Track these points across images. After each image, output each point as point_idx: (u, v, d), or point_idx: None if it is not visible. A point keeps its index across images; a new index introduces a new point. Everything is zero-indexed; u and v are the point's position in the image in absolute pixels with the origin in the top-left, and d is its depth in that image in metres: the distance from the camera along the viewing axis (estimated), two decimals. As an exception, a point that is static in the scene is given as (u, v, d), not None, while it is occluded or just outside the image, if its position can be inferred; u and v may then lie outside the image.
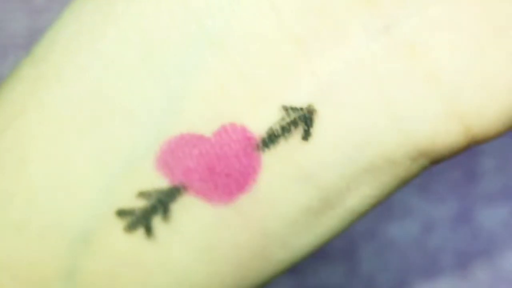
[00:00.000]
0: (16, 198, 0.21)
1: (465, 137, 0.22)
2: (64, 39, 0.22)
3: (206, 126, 0.22)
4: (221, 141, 0.22)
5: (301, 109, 0.22)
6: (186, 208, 0.22)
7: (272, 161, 0.22)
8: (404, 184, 0.23)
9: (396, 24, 0.22)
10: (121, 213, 0.21)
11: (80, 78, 0.22)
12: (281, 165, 0.22)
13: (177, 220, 0.22)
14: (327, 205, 0.22)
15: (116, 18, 0.22)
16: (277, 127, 0.22)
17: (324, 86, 0.22)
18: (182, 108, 0.22)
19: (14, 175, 0.22)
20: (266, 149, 0.22)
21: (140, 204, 0.21)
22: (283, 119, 0.22)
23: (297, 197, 0.22)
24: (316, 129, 0.22)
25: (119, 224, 0.21)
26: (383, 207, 0.34)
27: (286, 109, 0.22)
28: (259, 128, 0.22)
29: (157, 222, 0.22)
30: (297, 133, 0.22)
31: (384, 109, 0.22)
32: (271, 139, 0.22)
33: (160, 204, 0.21)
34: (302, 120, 0.22)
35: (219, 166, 0.22)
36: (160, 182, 0.21)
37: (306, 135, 0.22)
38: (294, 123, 0.22)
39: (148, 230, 0.22)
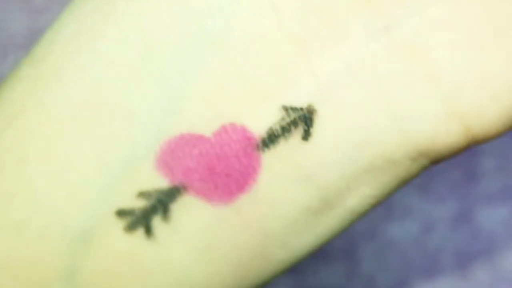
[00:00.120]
0: (16, 198, 0.21)
1: (465, 137, 0.22)
2: (64, 39, 0.22)
3: (206, 126, 0.22)
4: (221, 141, 0.22)
5: (301, 109, 0.22)
6: (186, 208, 0.22)
7: (272, 161, 0.22)
8: (404, 184, 0.23)
9: (396, 24, 0.22)
10: (121, 213, 0.21)
11: (80, 78, 0.22)
12: (281, 165, 0.22)
13: (177, 220, 0.22)
14: (327, 205, 0.22)
15: (116, 18, 0.22)
16: (277, 127, 0.22)
17: (324, 86, 0.22)
18: (182, 108, 0.21)
19: (14, 175, 0.21)
20: (266, 149, 0.22)
21: (140, 204, 0.21)
22: (283, 119, 0.22)
23: (297, 197, 0.22)
24: (316, 129, 0.22)
25: (119, 224, 0.21)
26: (383, 207, 0.35)
27: (286, 109, 0.22)
28: (259, 128, 0.22)
29: (157, 222, 0.22)
30: (297, 133, 0.22)
31: (384, 109, 0.22)
32: (271, 139, 0.22)
33: (160, 204, 0.21)
34: (302, 120, 0.22)
35: (219, 166, 0.22)
36: (160, 182, 0.21)
37: (306, 135, 0.22)
38: (294, 123, 0.22)
39: (148, 230, 0.22)
